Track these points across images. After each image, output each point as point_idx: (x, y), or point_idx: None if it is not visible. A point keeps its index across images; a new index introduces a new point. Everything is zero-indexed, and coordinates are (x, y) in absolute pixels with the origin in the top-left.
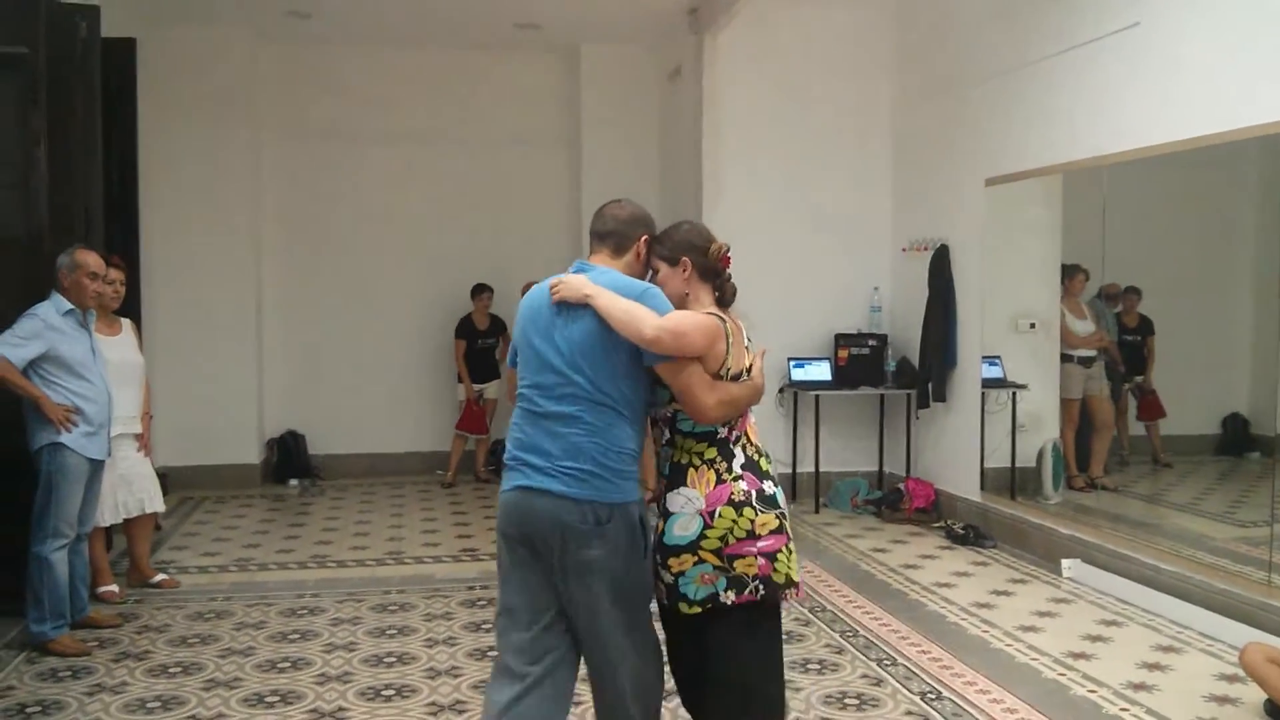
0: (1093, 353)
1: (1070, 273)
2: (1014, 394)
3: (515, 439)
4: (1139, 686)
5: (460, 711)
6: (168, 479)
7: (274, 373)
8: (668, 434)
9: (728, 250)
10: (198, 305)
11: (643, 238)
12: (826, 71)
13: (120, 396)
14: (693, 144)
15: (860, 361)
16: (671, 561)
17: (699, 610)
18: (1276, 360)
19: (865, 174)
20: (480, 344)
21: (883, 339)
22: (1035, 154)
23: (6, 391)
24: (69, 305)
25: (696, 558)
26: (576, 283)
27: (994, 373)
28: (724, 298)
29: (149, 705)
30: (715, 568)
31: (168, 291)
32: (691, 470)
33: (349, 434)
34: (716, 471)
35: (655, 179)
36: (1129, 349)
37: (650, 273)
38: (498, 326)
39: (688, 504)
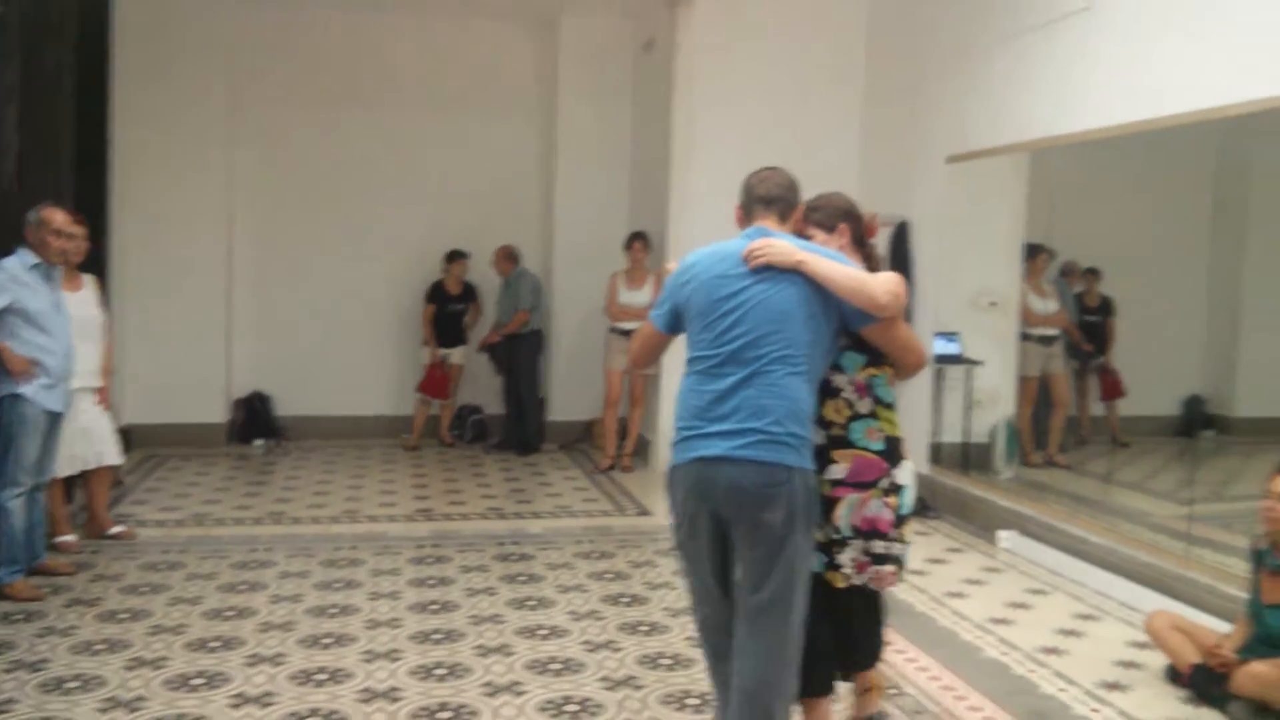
0: (1053, 331)
1: (1033, 252)
2: (970, 370)
3: (693, 406)
4: (1051, 650)
5: (395, 659)
6: (131, 435)
7: (242, 334)
8: (868, 404)
9: (876, 219)
10: (167, 263)
11: (801, 205)
12: (798, 45)
13: (81, 351)
14: (664, 115)
15: None
16: (904, 530)
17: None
18: (1232, 342)
19: (833, 148)
20: (450, 309)
21: None
22: (992, 133)
23: None
24: (35, 260)
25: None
26: (785, 248)
27: (951, 349)
28: (873, 265)
29: (95, 648)
30: None
31: (137, 249)
32: (903, 443)
33: (316, 396)
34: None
35: (627, 148)
36: (1090, 329)
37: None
38: (469, 293)
39: (909, 474)
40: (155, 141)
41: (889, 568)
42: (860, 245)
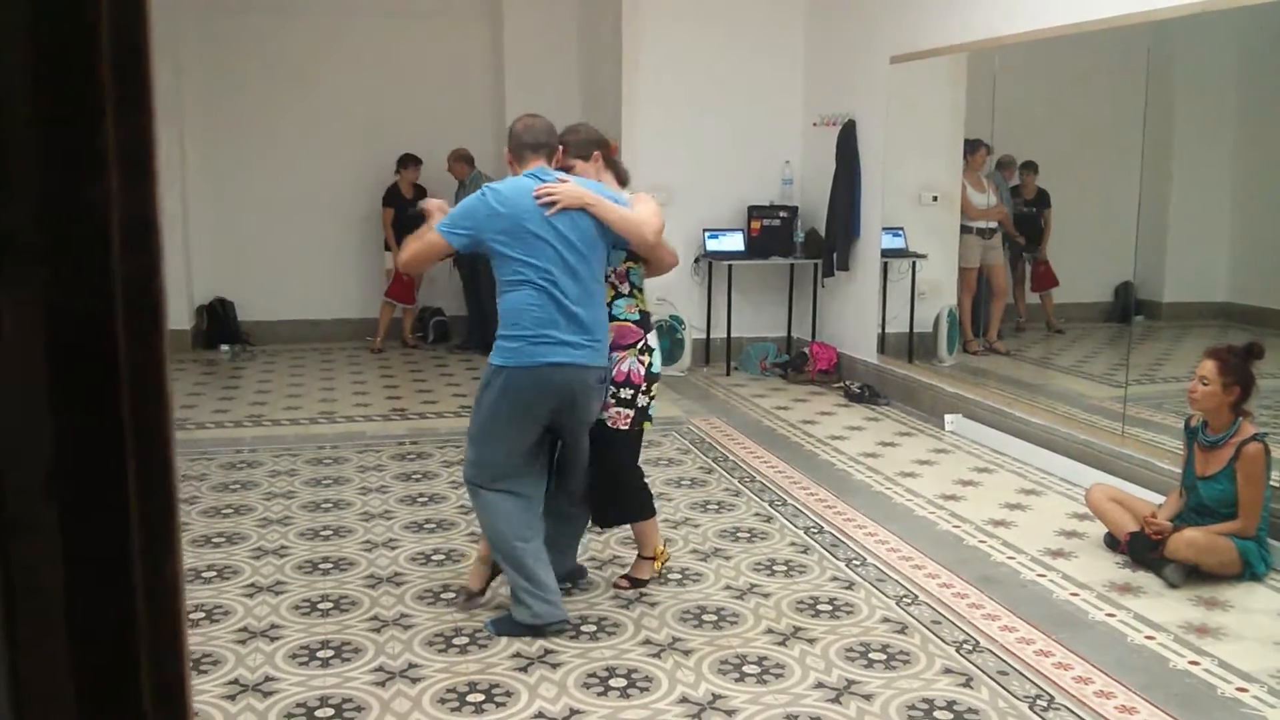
0: (992, 224)
1: (972, 147)
2: (914, 263)
3: (537, 318)
4: (999, 523)
5: (393, 548)
6: None
7: (201, 240)
8: (627, 287)
9: (616, 144)
10: None
11: (560, 146)
12: None
13: None
14: (611, 20)
15: (771, 232)
16: (653, 388)
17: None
18: (1162, 230)
19: (779, 50)
20: (409, 212)
21: (793, 210)
22: (934, 34)
23: None
24: None
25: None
26: (575, 192)
27: (896, 243)
28: (621, 179)
29: None
30: None
31: None
32: (650, 316)
33: (278, 301)
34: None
35: (574, 54)
36: (1026, 221)
37: (564, 169)
38: (422, 197)
39: (655, 340)
40: None
41: (627, 411)
42: (611, 165)
